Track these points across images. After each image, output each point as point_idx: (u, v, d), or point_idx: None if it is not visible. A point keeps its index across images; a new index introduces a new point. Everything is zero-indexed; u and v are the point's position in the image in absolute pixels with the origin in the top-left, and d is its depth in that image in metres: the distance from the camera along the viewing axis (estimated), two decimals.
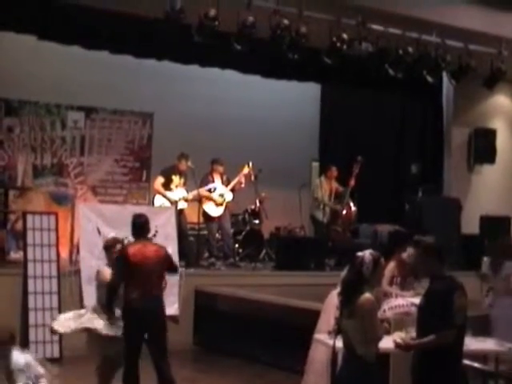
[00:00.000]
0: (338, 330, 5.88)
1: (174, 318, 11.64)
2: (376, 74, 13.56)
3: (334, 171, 14.79)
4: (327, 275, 12.55)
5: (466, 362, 6.28)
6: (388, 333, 6.39)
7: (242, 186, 13.74)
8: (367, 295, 5.69)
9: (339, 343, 5.94)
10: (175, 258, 11.85)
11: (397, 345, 6.03)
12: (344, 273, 5.92)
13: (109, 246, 8.56)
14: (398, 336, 6.20)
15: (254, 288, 11.97)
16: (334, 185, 14.87)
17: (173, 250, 11.95)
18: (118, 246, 8.51)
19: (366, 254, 5.86)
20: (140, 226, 8.58)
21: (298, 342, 9.18)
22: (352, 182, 14.55)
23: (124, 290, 8.16)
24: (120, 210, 12.38)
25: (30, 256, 11.17)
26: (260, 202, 14.59)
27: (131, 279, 8.14)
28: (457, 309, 5.71)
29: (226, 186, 13.59)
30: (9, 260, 12.32)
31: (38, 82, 14.02)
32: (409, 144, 16.69)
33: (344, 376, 5.80)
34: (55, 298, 11.15)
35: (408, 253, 8.97)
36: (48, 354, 10.86)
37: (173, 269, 8.69)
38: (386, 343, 6.02)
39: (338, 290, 6.04)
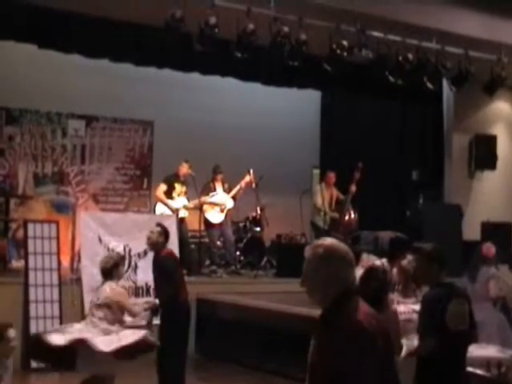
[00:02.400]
0: None
1: None
2: (376, 81, 13.58)
3: (331, 177, 14.79)
4: None
5: (469, 369, 6.25)
6: None
7: (241, 192, 13.75)
8: (393, 307, 5.68)
9: None
10: None
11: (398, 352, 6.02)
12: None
13: (118, 263, 8.50)
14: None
15: (255, 295, 11.96)
16: (334, 191, 14.88)
17: None
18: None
19: (384, 262, 5.84)
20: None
21: (299, 350, 9.13)
22: (353, 189, 14.56)
23: (174, 292, 8.61)
24: (121, 218, 12.42)
25: (31, 264, 11.18)
26: (261, 210, 14.59)
27: (182, 281, 8.87)
28: (453, 316, 5.69)
29: (228, 193, 13.60)
30: (10, 268, 12.32)
31: (39, 91, 14.04)
32: (409, 150, 16.67)
33: None
34: (56, 306, 11.15)
35: (408, 260, 8.95)
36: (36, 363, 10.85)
37: None
38: None
39: None
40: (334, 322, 3.74)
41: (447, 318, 5.67)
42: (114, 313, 8.06)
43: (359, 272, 7.03)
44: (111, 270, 8.26)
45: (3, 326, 6.85)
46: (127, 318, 8.27)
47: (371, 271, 6.15)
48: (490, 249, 9.81)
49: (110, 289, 8.13)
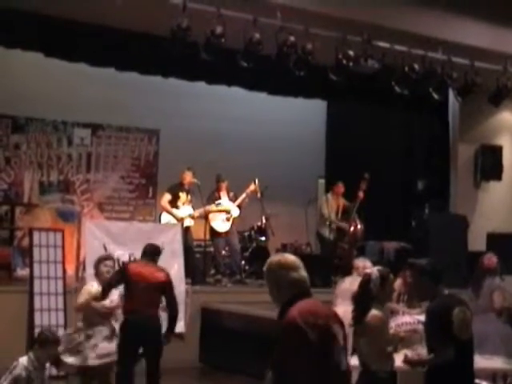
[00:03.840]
0: (353, 348, 5.88)
1: (179, 336, 11.65)
2: (382, 91, 13.57)
3: (340, 187, 14.77)
4: (334, 293, 12.51)
5: (476, 380, 6.24)
6: (395, 350, 6.37)
7: (247, 201, 13.74)
8: (374, 312, 5.69)
9: (354, 361, 5.92)
10: (180, 276, 11.90)
11: (405, 359, 6.01)
12: (338, 289, 5.97)
13: (102, 259, 8.77)
14: (405, 354, 6.18)
15: (260, 305, 11.91)
16: (342, 201, 14.86)
17: (179, 266, 11.99)
18: (109, 263, 8.74)
19: (374, 270, 5.86)
20: (147, 249, 8.97)
21: None
22: (359, 199, 14.54)
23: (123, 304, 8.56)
24: (126, 227, 12.41)
25: (36, 273, 11.17)
26: (266, 219, 14.57)
27: (129, 293, 8.54)
28: (458, 325, 5.68)
29: (233, 202, 13.60)
30: (15, 277, 12.31)
31: (45, 99, 14.07)
32: (415, 160, 16.67)
33: None
34: (61, 315, 11.13)
35: (408, 273, 8.94)
36: (54, 370, 10.84)
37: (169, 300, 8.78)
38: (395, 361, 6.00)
39: (339, 307, 6.05)
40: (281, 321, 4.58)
41: (454, 327, 5.67)
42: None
43: (357, 280, 7.03)
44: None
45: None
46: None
47: (363, 279, 6.14)
48: (491, 259, 9.79)
49: None
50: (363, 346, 5.70)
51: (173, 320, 8.73)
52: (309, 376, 4.25)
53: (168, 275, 8.82)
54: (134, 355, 8.51)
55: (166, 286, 8.68)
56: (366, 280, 5.83)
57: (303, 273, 4.64)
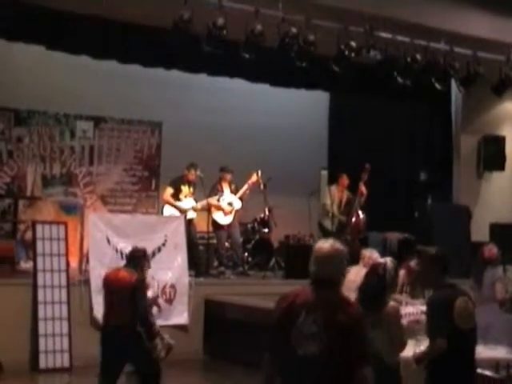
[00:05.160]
0: None
1: (183, 327, 11.69)
2: (384, 82, 13.55)
3: (345, 179, 14.75)
4: None
5: (478, 370, 6.24)
6: None
7: (248, 192, 13.74)
8: (392, 303, 5.67)
9: None
10: (184, 268, 11.92)
11: (414, 358, 5.99)
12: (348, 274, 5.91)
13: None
14: (410, 344, 6.18)
15: (263, 297, 11.93)
16: (346, 193, 14.84)
17: (182, 259, 12.01)
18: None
19: (388, 261, 5.84)
20: (130, 256, 8.60)
21: None
22: (361, 190, 14.55)
23: None
24: (129, 219, 12.43)
25: (39, 266, 11.19)
26: (269, 211, 14.57)
27: (107, 305, 8.37)
28: (459, 315, 5.68)
29: (235, 194, 13.59)
30: (18, 270, 12.32)
31: (47, 92, 14.05)
32: (418, 151, 16.66)
33: None
34: (65, 307, 11.16)
35: (416, 261, 8.95)
36: (58, 363, 10.88)
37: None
38: None
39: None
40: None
41: (455, 317, 5.66)
42: None
43: (362, 270, 7.05)
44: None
45: None
46: None
47: (372, 268, 6.15)
48: (491, 250, 9.79)
49: None
50: (379, 338, 5.66)
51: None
52: None
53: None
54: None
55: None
56: (382, 270, 5.80)
57: (313, 266, 4.73)
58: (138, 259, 8.41)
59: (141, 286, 8.20)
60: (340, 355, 4.41)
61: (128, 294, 8.02)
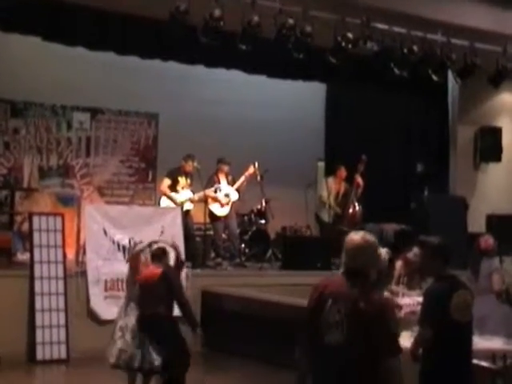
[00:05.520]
0: None
1: (180, 319, 11.68)
2: (381, 73, 13.55)
3: (343, 171, 14.78)
4: (334, 275, 12.54)
5: (474, 361, 6.25)
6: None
7: (245, 184, 13.73)
8: (386, 294, 5.68)
9: None
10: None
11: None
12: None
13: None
14: (406, 336, 6.19)
15: (260, 288, 11.97)
16: (343, 185, 14.86)
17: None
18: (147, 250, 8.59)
19: (382, 251, 5.85)
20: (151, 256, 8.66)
21: None
22: (357, 182, 14.58)
23: None
24: (126, 211, 12.45)
25: (36, 257, 11.19)
26: (266, 202, 14.58)
27: None
28: (457, 307, 5.68)
29: (232, 185, 13.59)
30: (15, 261, 12.32)
31: (44, 84, 14.04)
32: (414, 143, 16.66)
33: None
34: (62, 299, 11.16)
35: (414, 252, 8.96)
36: (55, 355, 10.89)
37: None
38: None
39: None
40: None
41: (452, 309, 5.67)
42: None
43: None
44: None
45: None
46: None
47: None
48: (487, 241, 9.79)
49: None
50: None
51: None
52: None
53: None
54: None
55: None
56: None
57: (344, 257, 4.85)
58: (158, 257, 8.49)
59: (169, 275, 8.33)
60: (363, 344, 4.53)
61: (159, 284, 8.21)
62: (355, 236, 4.81)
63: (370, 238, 4.80)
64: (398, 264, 9.18)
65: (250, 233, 14.58)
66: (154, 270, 8.31)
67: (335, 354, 4.59)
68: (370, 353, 4.53)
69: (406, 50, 12.48)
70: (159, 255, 8.48)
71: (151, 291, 8.19)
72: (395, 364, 4.59)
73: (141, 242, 8.88)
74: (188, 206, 13.18)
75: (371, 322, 4.55)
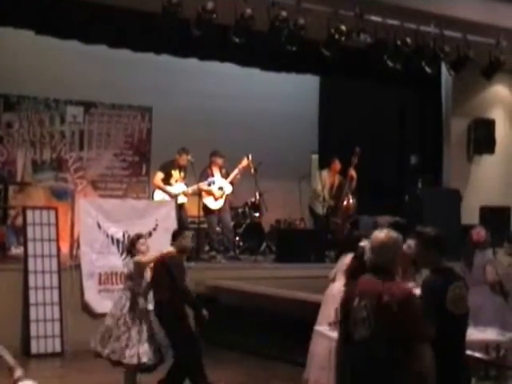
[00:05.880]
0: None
1: None
2: (374, 66, 13.53)
3: (337, 164, 14.79)
4: (328, 267, 12.47)
5: (468, 352, 6.26)
6: None
7: (238, 177, 13.72)
8: None
9: None
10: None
11: None
12: (341, 264, 5.96)
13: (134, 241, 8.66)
14: None
15: (254, 281, 11.97)
16: (338, 178, 14.87)
17: None
18: (142, 241, 8.61)
19: (367, 244, 5.86)
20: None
21: (299, 335, 9.18)
22: (351, 174, 14.60)
23: None
24: (120, 204, 12.44)
25: (30, 251, 11.19)
26: (260, 195, 14.58)
27: None
28: (452, 300, 5.69)
29: (226, 178, 13.59)
30: (9, 255, 12.33)
31: (37, 77, 14.00)
32: (408, 135, 16.67)
33: None
34: (56, 292, 11.17)
35: (407, 244, 8.96)
36: (49, 348, 10.90)
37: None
38: None
39: (338, 281, 6.05)
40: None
41: (448, 302, 5.67)
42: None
43: None
44: (129, 249, 8.61)
45: None
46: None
47: (356, 252, 6.15)
48: (479, 233, 9.80)
49: (132, 261, 8.46)
50: None
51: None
52: None
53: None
54: None
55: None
56: (361, 253, 5.84)
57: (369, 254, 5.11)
58: (174, 236, 8.71)
59: (172, 262, 8.45)
60: (389, 336, 4.75)
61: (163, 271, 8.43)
62: (380, 233, 5.05)
63: (394, 235, 5.05)
64: None
65: (244, 226, 14.58)
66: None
67: (363, 349, 4.81)
68: (397, 343, 4.75)
69: (399, 42, 12.47)
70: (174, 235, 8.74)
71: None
72: (424, 350, 4.83)
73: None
74: (182, 199, 13.18)
75: (397, 313, 4.75)
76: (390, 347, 4.75)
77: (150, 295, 8.59)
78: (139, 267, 8.41)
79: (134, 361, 8.20)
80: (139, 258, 8.42)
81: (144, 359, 8.22)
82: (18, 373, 5.21)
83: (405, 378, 4.83)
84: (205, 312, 8.75)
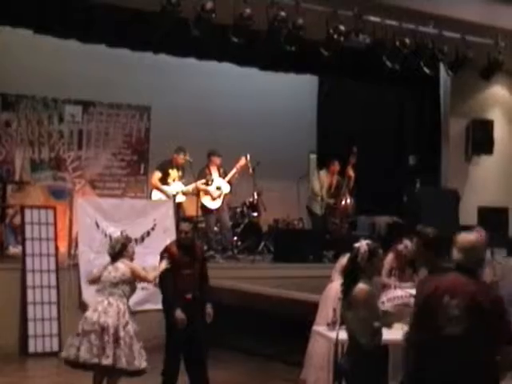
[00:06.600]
0: (341, 321, 5.93)
1: None
2: (373, 66, 13.55)
3: (336, 166, 14.77)
4: (325, 267, 12.50)
5: None
6: (388, 325, 6.40)
7: (236, 176, 13.72)
8: (361, 285, 5.70)
9: (342, 335, 5.95)
10: None
11: None
12: (338, 264, 5.96)
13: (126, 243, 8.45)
14: (398, 328, 6.20)
15: (252, 280, 11.97)
16: (336, 179, 14.86)
17: None
18: (132, 244, 8.50)
19: (362, 244, 5.87)
20: None
21: (297, 334, 9.19)
22: (349, 174, 14.60)
23: None
24: (118, 204, 12.43)
25: (28, 250, 11.19)
26: (258, 195, 14.58)
27: None
28: None
29: (223, 178, 13.59)
30: (7, 254, 12.33)
31: (35, 76, 13.99)
32: (406, 135, 16.68)
33: (344, 364, 5.84)
34: (54, 291, 11.17)
35: (404, 244, 8.97)
36: (47, 348, 10.90)
37: None
38: (386, 334, 6.02)
39: (336, 282, 6.05)
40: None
41: None
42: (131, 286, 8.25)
43: None
44: (120, 252, 8.24)
45: None
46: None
47: (351, 252, 6.14)
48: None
49: (125, 265, 8.16)
50: (351, 319, 5.73)
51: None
52: None
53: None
54: None
55: None
56: (354, 253, 5.85)
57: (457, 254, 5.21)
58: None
59: None
60: (481, 335, 4.96)
61: None
62: (469, 235, 5.23)
63: (482, 237, 5.43)
64: (390, 256, 9.18)
65: (242, 225, 14.58)
66: None
67: (454, 346, 4.96)
68: (487, 342, 4.97)
69: (397, 43, 12.48)
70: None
71: None
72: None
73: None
74: (179, 198, 13.17)
75: (488, 314, 4.96)
76: (482, 345, 4.95)
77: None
78: (134, 275, 8.29)
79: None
80: (137, 266, 8.35)
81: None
82: None
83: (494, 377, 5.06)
84: (209, 310, 8.72)
